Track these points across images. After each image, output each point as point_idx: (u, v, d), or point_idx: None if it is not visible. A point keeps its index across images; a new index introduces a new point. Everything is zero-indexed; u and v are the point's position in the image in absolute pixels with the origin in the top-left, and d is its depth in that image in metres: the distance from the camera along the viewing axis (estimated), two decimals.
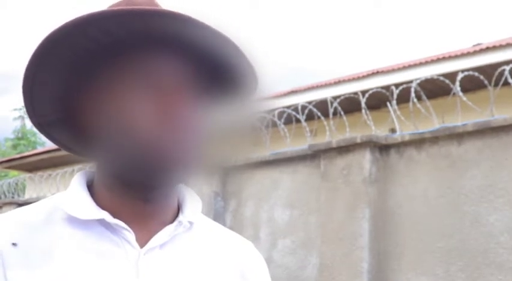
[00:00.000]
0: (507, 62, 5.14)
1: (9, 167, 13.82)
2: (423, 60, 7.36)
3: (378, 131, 4.56)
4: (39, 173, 10.20)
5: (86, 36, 0.70)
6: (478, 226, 3.60)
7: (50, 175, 9.03)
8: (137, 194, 0.76)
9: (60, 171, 8.80)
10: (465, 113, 4.42)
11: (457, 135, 3.83)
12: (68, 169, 8.66)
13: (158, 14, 0.68)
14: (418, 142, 4.03)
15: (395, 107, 4.50)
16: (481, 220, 3.60)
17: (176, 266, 0.76)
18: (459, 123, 3.86)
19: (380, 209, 4.11)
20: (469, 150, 3.77)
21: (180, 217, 0.79)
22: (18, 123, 25.57)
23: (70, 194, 0.77)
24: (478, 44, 8.22)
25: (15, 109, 25.64)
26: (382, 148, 4.20)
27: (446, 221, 3.74)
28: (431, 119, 4.39)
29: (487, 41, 8.50)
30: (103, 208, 0.75)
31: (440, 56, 7.28)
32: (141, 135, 0.71)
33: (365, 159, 4.14)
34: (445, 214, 3.78)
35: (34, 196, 9.54)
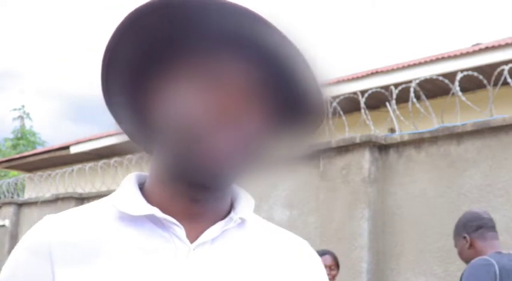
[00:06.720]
0: (506, 62, 5.14)
1: (9, 167, 13.82)
2: (422, 60, 7.36)
3: (377, 131, 4.56)
4: (39, 173, 10.20)
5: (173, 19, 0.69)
6: None
7: (49, 174, 9.03)
8: (188, 193, 0.76)
9: (59, 171, 8.80)
10: (464, 112, 4.42)
11: (456, 135, 3.83)
12: (68, 169, 8.67)
13: (249, 15, 0.67)
14: (417, 141, 4.03)
15: (395, 106, 4.51)
16: None
17: (227, 261, 0.76)
18: (458, 123, 3.87)
19: (379, 209, 4.11)
20: (468, 150, 3.77)
21: (232, 214, 0.78)
22: (17, 124, 25.58)
23: (121, 191, 0.78)
24: (477, 44, 8.23)
25: (14, 109, 25.65)
26: (382, 148, 4.20)
27: (446, 221, 3.74)
28: (430, 118, 4.39)
29: (486, 40, 8.51)
30: (153, 205, 0.75)
31: (440, 56, 7.28)
32: (196, 132, 0.70)
33: (364, 159, 4.14)
34: (444, 214, 3.78)
35: (33, 195, 9.53)
